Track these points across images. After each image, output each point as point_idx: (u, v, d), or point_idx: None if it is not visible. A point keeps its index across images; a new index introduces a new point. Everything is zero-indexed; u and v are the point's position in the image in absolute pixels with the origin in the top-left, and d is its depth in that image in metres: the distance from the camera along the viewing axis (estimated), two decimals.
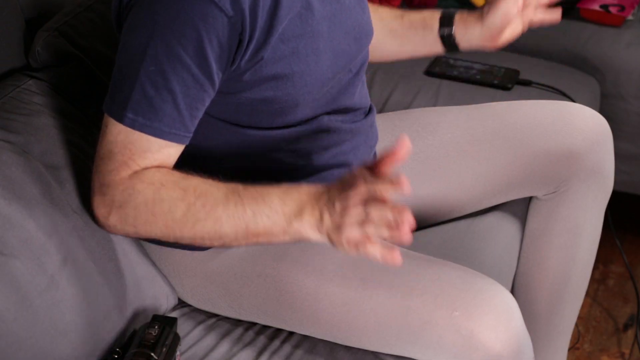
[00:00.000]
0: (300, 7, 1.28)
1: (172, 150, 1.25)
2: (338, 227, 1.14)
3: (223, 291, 1.40)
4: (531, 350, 1.28)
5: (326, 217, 1.16)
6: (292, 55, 1.28)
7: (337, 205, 1.14)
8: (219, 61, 1.21)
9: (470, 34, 1.54)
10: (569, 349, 1.85)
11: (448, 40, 1.56)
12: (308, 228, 1.18)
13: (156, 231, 1.24)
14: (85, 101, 1.49)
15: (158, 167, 1.24)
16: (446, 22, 1.55)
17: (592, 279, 2.27)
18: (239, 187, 1.22)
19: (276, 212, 1.19)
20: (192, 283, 1.42)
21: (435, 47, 1.58)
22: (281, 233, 1.20)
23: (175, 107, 1.22)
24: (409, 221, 1.09)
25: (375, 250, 1.12)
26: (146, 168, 1.24)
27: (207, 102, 1.26)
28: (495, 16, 1.50)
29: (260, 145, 1.34)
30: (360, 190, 1.12)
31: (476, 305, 1.20)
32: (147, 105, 1.21)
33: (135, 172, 1.23)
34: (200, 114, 1.25)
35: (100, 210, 1.25)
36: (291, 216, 1.19)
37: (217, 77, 1.23)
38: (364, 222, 1.11)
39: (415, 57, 1.64)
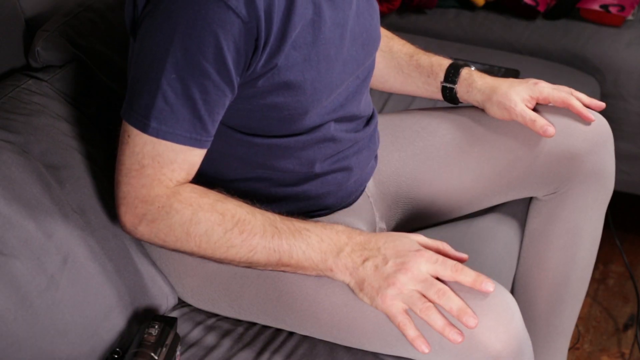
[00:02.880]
0: (312, 14, 1.28)
1: (196, 157, 1.26)
2: (386, 279, 1.21)
3: (223, 291, 1.40)
4: (531, 350, 1.28)
5: (369, 264, 1.22)
6: (304, 62, 1.28)
7: (392, 261, 1.21)
8: (236, 66, 1.22)
9: (472, 95, 1.54)
10: (569, 349, 1.85)
11: (449, 94, 1.56)
12: (342, 268, 1.24)
13: (185, 248, 1.27)
14: (85, 101, 1.49)
15: (192, 185, 1.27)
16: (451, 77, 1.55)
17: (592, 279, 2.27)
18: (276, 218, 1.26)
19: (312, 248, 1.24)
20: (192, 283, 1.42)
21: (436, 94, 1.59)
22: (311, 268, 1.26)
23: (197, 114, 1.22)
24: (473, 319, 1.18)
25: (437, 319, 1.19)
26: (180, 184, 1.26)
27: (227, 105, 1.27)
28: (497, 112, 1.51)
29: (265, 153, 1.35)
30: (429, 263, 1.20)
31: (476, 306, 1.21)
32: (169, 113, 1.21)
33: (172, 192, 1.25)
34: (220, 118, 1.27)
35: (128, 219, 1.26)
36: (328, 254, 1.24)
37: (236, 82, 1.24)
38: (415, 297, 1.19)
39: (414, 96, 1.64)
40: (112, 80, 1.52)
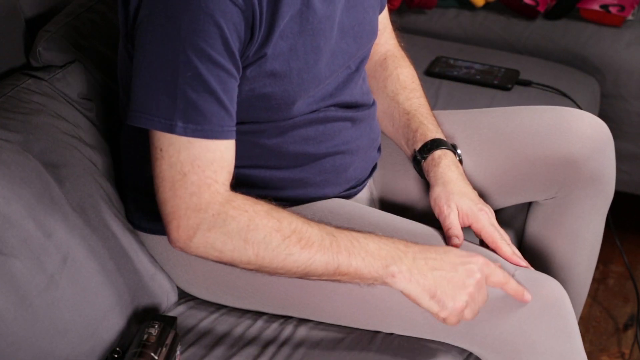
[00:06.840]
0: (300, 4, 1.29)
1: (230, 151, 1.25)
2: (461, 288, 1.23)
3: (230, 281, 1.39)
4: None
5: (438, 274, 1.23)
6: (290, 51, 1.29)
7: (462, 269, 1.24)
8: (240, 52, 1.23)
9: (429, 174, 1.46)
10: None
11: (417, 166, 1.49)
12: (406, 274, 1.23)
13: (242, 257, 1.23)
14: (85, 101, 1.49)
15: (242, 194, 1.24)
16: (423, 152, 1.47)
17: (592, 279, 2.26)
18: (332, 227, 1.25)
19: (372, 255, 1.23)
20: (196, 273, 1.42)
21: (410, 157, 1.53)
22: (369, 275, 1.23)
23: (220, 105, 1.22)
24: None
25: None
26: (226, 186, 1.23)
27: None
28: (433, 202, 1.43)
29: (255, 132, 1.35)
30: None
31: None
32: (193, 111, 1.21)
33: (225, 199, 1.22)
34: (236, 104, 1.26)
35: (182, 233, 1.22)
36: (389, 260, 1.23)
37: (241, 67, 1.25)
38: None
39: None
40: (112, 81, 1.52)
